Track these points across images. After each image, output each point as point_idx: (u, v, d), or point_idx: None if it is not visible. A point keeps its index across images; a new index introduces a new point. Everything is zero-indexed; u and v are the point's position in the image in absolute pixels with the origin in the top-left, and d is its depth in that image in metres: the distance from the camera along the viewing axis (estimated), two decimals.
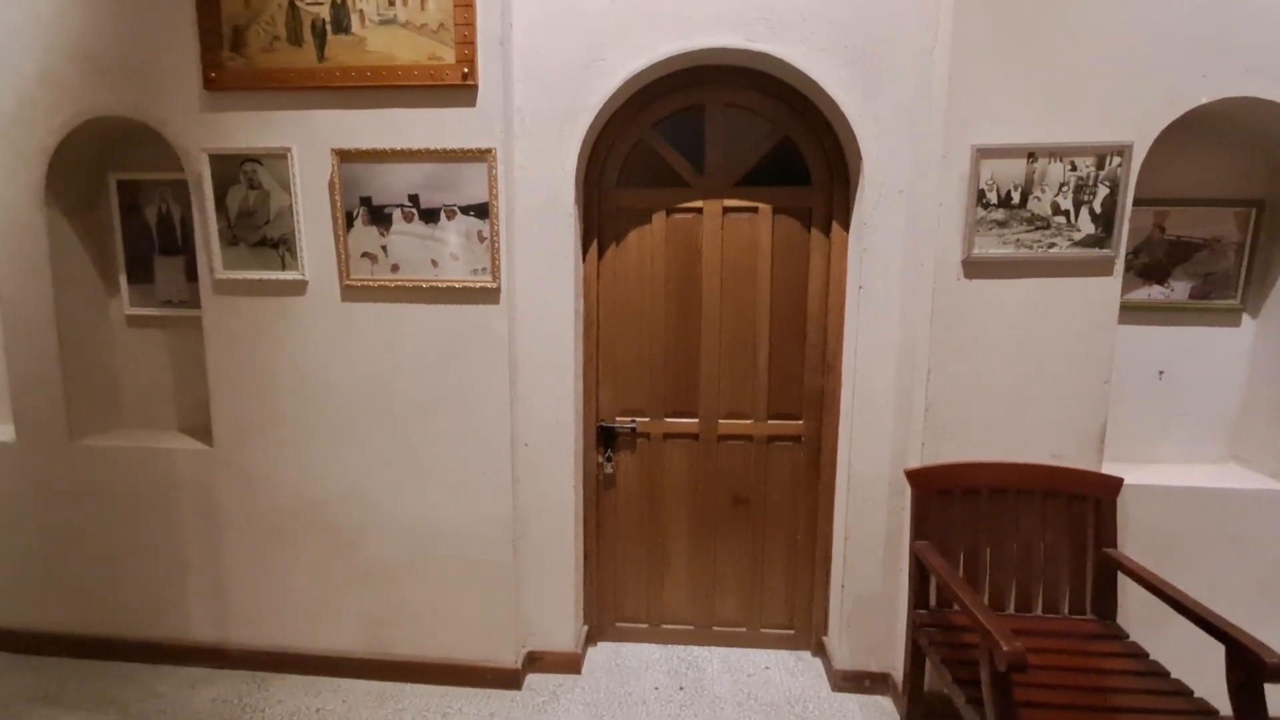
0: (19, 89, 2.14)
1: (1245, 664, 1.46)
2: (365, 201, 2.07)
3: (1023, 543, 1.97)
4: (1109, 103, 1.83)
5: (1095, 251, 1.87)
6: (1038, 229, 1.88)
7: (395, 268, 2.10)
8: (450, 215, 2.05)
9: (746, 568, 2.46)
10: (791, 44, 1.99)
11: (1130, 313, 2.09)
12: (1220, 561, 1.99)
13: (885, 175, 2.03)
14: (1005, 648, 1.40)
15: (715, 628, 2.51)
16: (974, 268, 1.93)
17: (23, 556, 2.40)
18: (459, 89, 2.00)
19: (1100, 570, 1.92)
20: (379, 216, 2.07)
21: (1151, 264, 2.09)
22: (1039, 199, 1.87)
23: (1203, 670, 1.63)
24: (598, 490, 2.45)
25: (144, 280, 2.43)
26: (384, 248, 2.09)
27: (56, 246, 2.25)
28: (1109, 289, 1.90)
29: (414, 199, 2.05)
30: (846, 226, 2.21)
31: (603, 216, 2.31)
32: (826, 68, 2.00)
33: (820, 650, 2.43)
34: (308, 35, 2.02)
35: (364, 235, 2.09)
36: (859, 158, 2.05)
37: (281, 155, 2.06)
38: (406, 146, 2.02)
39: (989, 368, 1.97)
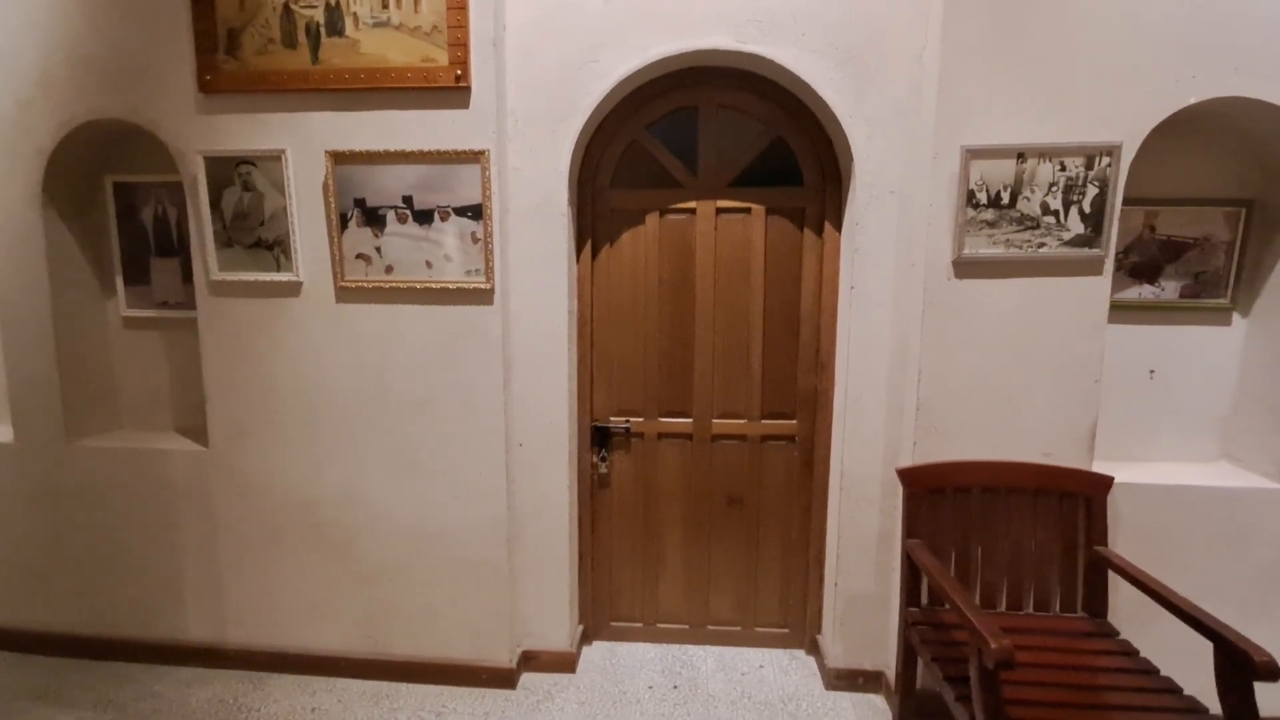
0: (16, 92, 2.15)
1: (1234, 662, 1.47)
2: (359, 203, 2.08)
3: (1014, 541, 1.98)
4: (1098, 103, 1.83)
5: (1085, 251, 1.88)
6: (1027, 229, 1.88)
7: (389, 269, 2.11)
8: (444, 216, 2.06)
9: (740, 567, 2.47)
10: (783, 45, 2.00)
11: (1121, 312, 2.10)
12: (1211, 560, 1.99)
13: (876, 176, 2.04)
14: (993, 645, 1.41)
15: (710, 626, 2.52)
16: (964, 268, 1.94)
17: (20, 556, 2.42)
18: (452, 91, 2.01)
19: (1091, 569, 1.93)
20: (373, 218, 2.09)
21: (1142, 263, 2.10)
22: (1028, 199, 1.87)
23: (1194, 668, 1.63)
24: (592, 490, 2.46)
25: (140, 282, 2.44)
26: (378, 249, 2.10)
27: (53, 248, 2.27)
28: (1099, 288, 1.91)
29: (408, 200, 2.06)
30: (839, 227, 2.22)
31: (596, 217, 2.32)
32: (818, 69, 2.01)
33: (814, 649, 2.44)
34: (302, 38, 2.03)
35: (358, 237, 2.10)
36: (850, 158, 2.06)
37: (276, 157, 2.07)
38: (400, 148, 2.03)
39: (980, 367, 1.98)
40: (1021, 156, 1.86)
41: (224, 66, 2.06)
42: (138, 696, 2.25)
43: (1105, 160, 1.84)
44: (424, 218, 2.07)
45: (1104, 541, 1.93)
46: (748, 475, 2.41)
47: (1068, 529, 1.96)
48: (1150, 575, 1.76)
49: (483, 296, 2.10)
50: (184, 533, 2.34)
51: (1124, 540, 1.99)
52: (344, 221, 2.09)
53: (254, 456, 2.26)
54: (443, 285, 2.09)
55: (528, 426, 2.24)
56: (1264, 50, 1.79)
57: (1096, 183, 1.85)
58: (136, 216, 2.41)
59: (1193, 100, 1.81)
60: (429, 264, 2.10)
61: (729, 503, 2.44)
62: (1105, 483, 1.93)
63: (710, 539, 2.46)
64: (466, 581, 2.26)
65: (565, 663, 2.36)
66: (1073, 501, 1.96)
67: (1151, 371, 2.15)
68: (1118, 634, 1.87)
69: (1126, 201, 1.95)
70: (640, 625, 2.54)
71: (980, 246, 1.91)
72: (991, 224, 1.89)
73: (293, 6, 2.02)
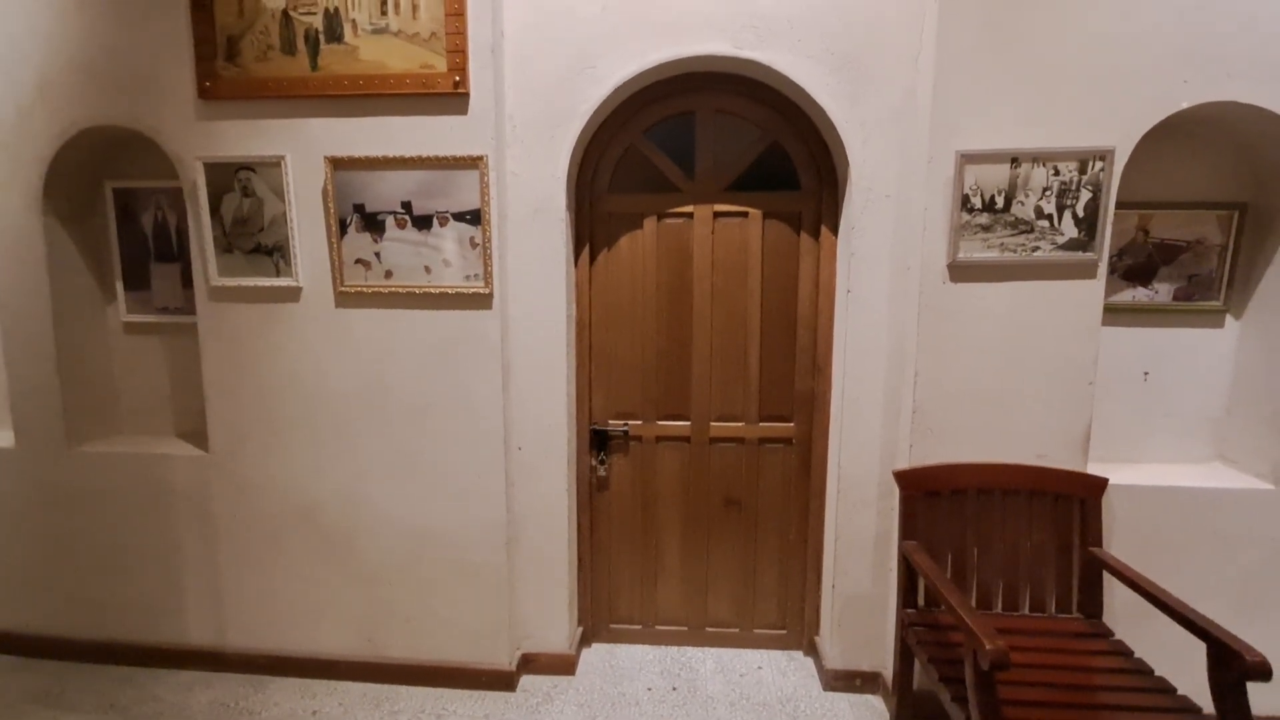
0: (16, 99, 2.16)
1: (1226, 662, 1.49)
2: (359, 209, 2.09)
3: (1009, 543, 1.99)
4: (1091, 108, 1.85)
5: (1079, 255, 1.90)
6: (1022, 233, 1.90)
7: (389, 274, 2.12)
8: (443, 222, 2.08)
9: (739, 569, 2.48)
10: (779, 51, 2.02)
11: (1115, 314, 2.12)
12: (1205, 560, 2.01)
13: (872, 180, 2.05)
14: (988, 646, 1.42)
15: (708, 628, 2.53)
16: (959, 271, 1.95)
17: (22, 561, 2.42)
18: (451, 97, 2.02)
19: (1086, 569, 1.95)
20: (372, 223, 2.10)
21: (1136, 266, 2.12)
22: (1023, 203, 1.89)
23: (1187, 668, 1.65)
24: (591, 493, 2.47)
25: (140, 287, 2.45)
26: (377, 254, 2.11)
27: (54, 254, 2.28)
28: (1093, 291, 1.93)
29: (407, 206, 2.08)
30: (835, 231, 2.24)
31: (594, 221, 2.33)
32: (814, 74, 2.02)
33: (812, 650, 2.45)
34: (301, 45, 2.04)
35: (358, 242, 2.11)
36: (846, 163, 2.07)
37: (275, 163, 2.08)
38: (399, 154, 2.04)
39: (975, 370, 1.99)
40: (1015, 161, 1.87)
41: (224, 73, 2.07)
42: (139, 700, 2.26)
43: (1098, 165, 1.85)
44: (423, 223, 2.08)
45: (1099, 543, 1.94)
46: (745, 478, 2.43)
47: (1063, 530, 1.98)
48: (1144, 576, 1.78)
49: (481, 301, 2.12)
50: (184, 536, 2.35)
51: (1118, 541, 2.01)
52: (343, 227, 2.11)
53: (254, 460, 2.27)
54: (442, 290, 2.11)
55: (527, 430, 2.25)
56: (1256, 55, 1.80)
57: (1090, 187, 1.87)
58: (136, 222, 2.42)
59: (1185, 105, 1.83)
60: (428, 269, 2.11)
61: (727, 505, 2.45)
62: (1100, 484, 1.94)
63: (708, 541, 2.47)
64: (466, 584, 2.27)
65: (564, 665, 2.37)
66: (1067, 503, 1.97)
67: (1145, 374, 2.17)
68: (1112, 634, 1.89)
69: (1120, 205, 1.96)
70: (639, 627, 2.56)
71: (975, 250, 1.92)
72: (986, 228, 1.91)
73: (292, 13, 2.03)
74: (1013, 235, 1.90)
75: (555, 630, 2.37)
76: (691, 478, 2.44)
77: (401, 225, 2.09)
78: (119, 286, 2.45)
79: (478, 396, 2.17)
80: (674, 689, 2.30)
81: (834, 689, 2.28)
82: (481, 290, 2.10)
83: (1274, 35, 1.79)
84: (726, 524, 2.46)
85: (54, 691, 2.30)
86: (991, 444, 2.01)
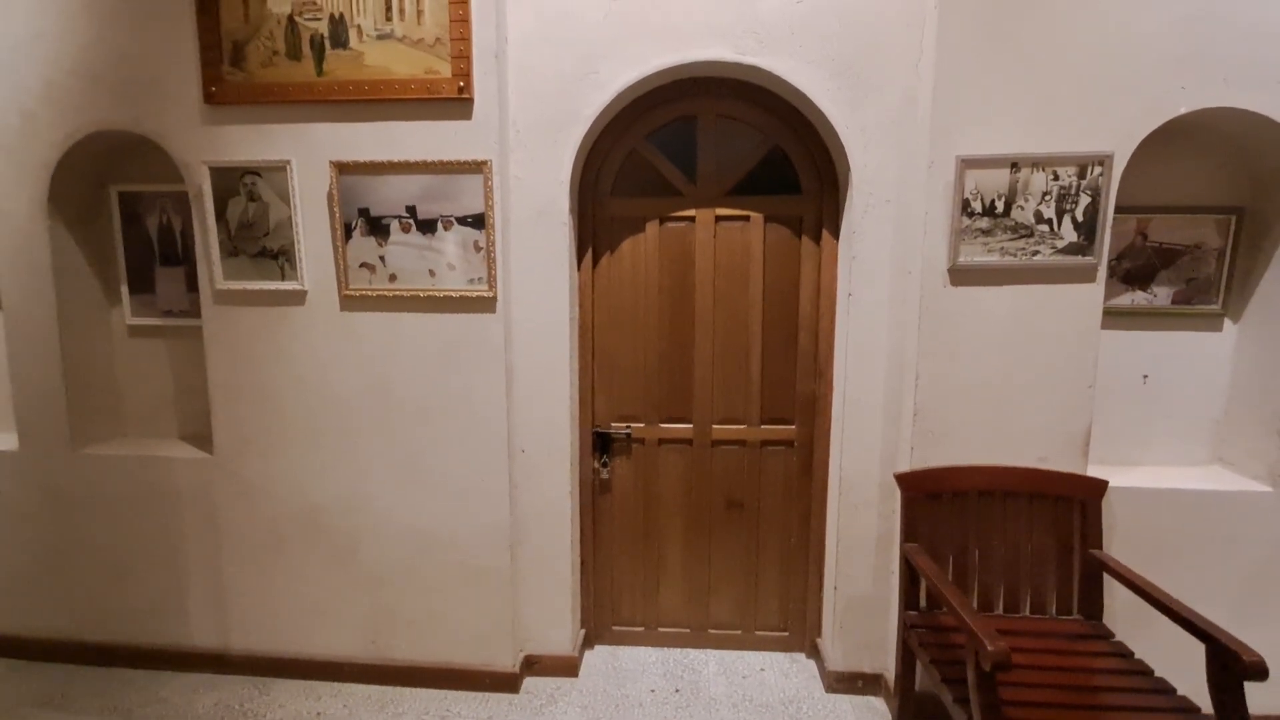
0: (22, 104, 2.17)
1: (1224, 662, 1.50)
2: (363, 213, 2.11)
3: (1010, 545, 2.01)
4: (1090, 114, 1.87)
5: (1078, 259, 1.91)
6: (1022, 237, 1.92)
7: (393, 277, 2.14)
8: (447, 226, 2.09)
9: (741, 571, 2.49)
10: (780, 57, 2.03)
11: (1114, 318, 2.13)
12: (1205, 562, 2.02)
13: (873, 185, 2.07)
14: (990, 647, 1.44)
15: (711, 630, 2.54)
16: (960, 275, 1.97)
17: (26, 564, 2.43)
18: (455, 102, 2.04)
19: (1086, 571, 1.96)
20: (377, 227, 2.11)
21: (1135, 270, 2.13)
22: (1022, 208, 1.91)
23: (1187, 669, 1.66)
24: (594, 495, 2.48)
25: (145, 291, 2.46)
26: (382, 258, 2.13)
27: (59, 257, 2.29)
28: (1092, 295, 1.94)
29: (411, 210, 2.09)
30: (836, 234, 2.25)
31: (597, 225, 2.35)
32: (815, 80, 2.04)
33: (814, 652, 2.46)
34: (306, 50, 2.06)
35: (362, 246, 2.13)
36: (848, 167, 2.09)
37: (281, 168, 2.10)
38: (404, 158, 2.06)
39: (976, 373, 2.01)
40: (1015, 166, 1.89)
41: (229, 78, 2.09)
42: (144, 702, 2.26)
43: (1097, 169, 1.87)
44: (427, 227, 2.10)
45: (1099, 544, 1.96)
46: (747, 480, 2.44)
47: (1063, 532, 1.99)
48: (1144, 578, 1.79)
49: (485, 304, 2.13)
50: (189, 539, 2.36)
51: (1118, 543, 2.02)
52: (348, 231, 2.12)
53: (258, 463, 2.28)
54: (446, 293, 2.12)
55: (530, 432, 2.26)
56: (1253, 62, 1.82)
57: (1089, 191, 1.88)
58: (141, 226, 2.43)
59: (1183, 111, 1.85)
60: (432, 272, 2.12)
61: (729, 507, 2.46)
62: (1100, 486, 1.96)
63: (711, 543, 2.49)
64: (469, 586, 2.28)
65: (567, 667, 2.38)
66: (1068, 505, 1.99)
67: (1144, 376, 2.18)
68: (1112, 636, 1.90)
69: (1119, 209, 1.98)
70: (642, 629, 2.57)
71: (975, 254, 1.94)
72: (986, 232, 1.92)
73: (297, 19, 2.05)
74: (1013, 239, 1.92)
75: (558, 632, 2.38)
76: (693, 480, 2.45)
77: (406, 229, 2.10)
78: (124, 290, 2.46)
79: (481, 399, 2.18)
80: (677, 691, 2.31)
81: (836, 690, 2.29)
82: (485, 294, 2.11)
83: (1271, 42, 1.81)
84: (728, 526, 2.47)
85: (58, 695, 2.30)
86: (992, 446, 2.02)
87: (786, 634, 2.52)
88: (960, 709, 1.62)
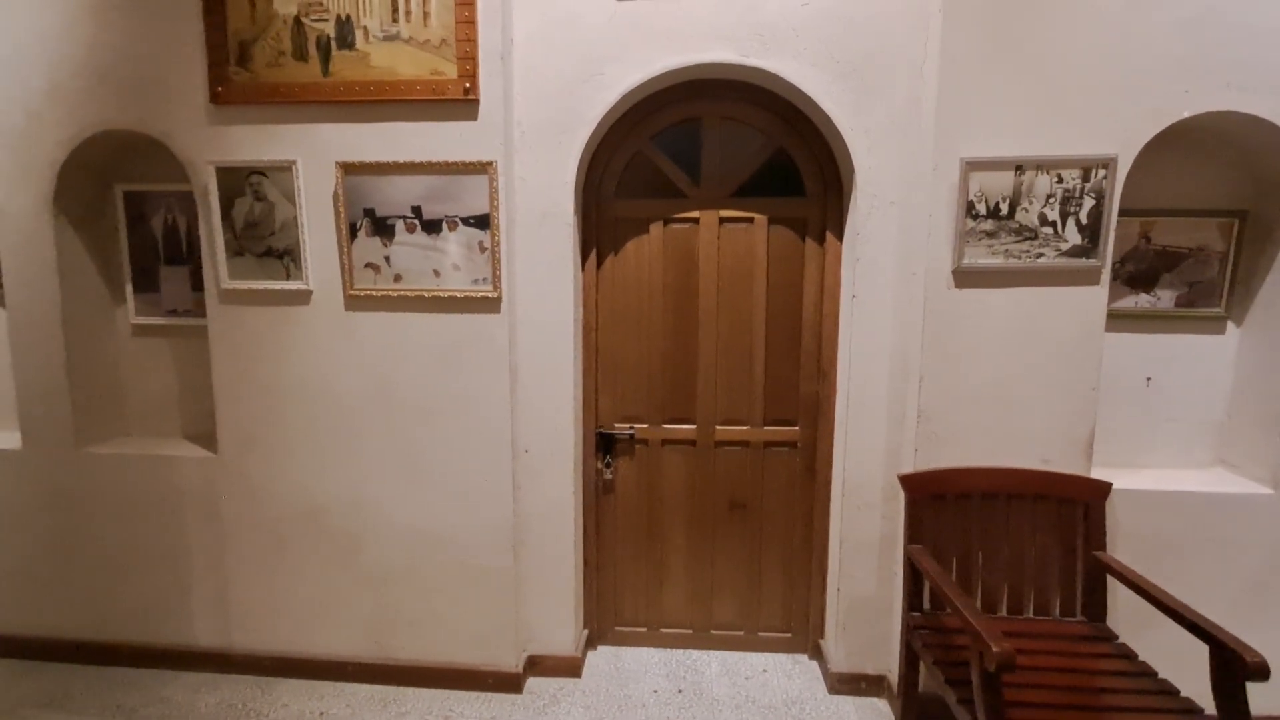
0: (27, 104, 2.18)
1: (1227, 663, 1.50)
2: (369, 213, 2.11)
3: (1014, 546, 2.01)
4: (1094, 117, 1.87)
5: (1082, 261, 1.92)
6: (1026, 239, 1.92)
7: (398, 278, 2.14)
8: (452, 226, 2.10)
9: (744, 572, 2.49)
10: (784, 59, 2.04)
11: (1118, 320, 2.14)
12: (1208, 564, 2.03)
13: (877, 187, 2.07)
14: (994, 649, 1.44)
15: (713, 631, 2.54)
16: (964, 277, 1.97)
17: (30, 563, 2.43)
18: (460, 103, 2.05)
19: (1090, 573, 1.96)
20: (382, 228, 2.12)
21: (1138, 273, 2.14)
22: (1027, 210, 1.91)
23: (1191, 670, 1.66)
24: (597, 496, 2.48)
25: (150, 290, 2.47)
26: (387, 258, 2.13)
27: (64, 257, 2.29)
28: (1096, 298, 1.95)
29: (416, 210, 2.09)
30: (840, 236, 2.26)
31: (601, 226, 2.35)
32: (819, 82, 2.04)
33: (817, 653, 2.46)
34: (313, 51, 2.06)
35: (367, 246, 2.13)
36: (851, 169, 2.10)
37: (286, 168, 2.10)
38: (409, 159, 2.06)
39: (979, 375, 2.01)
40: (1019, 168, 1.90)
41: (235, 78, 2.09)
42: (146, 702, 2.26)
43: (1101, 173, 1.88)
44: (432, 227, 2.10)
45: (1102, 546, 1.96)
46: (750, 481, 2.44)
47: (1067, 534, 1.99)
48: (1147, 579, 1.79)
49: (489, 305, 2.13)
50: (192, 538, 2.36)
51: (1122, 545, 2.02)
52: (353, 231, 2.12)
53: (262, 462, 2.28)
54: (450, 294, 2.12)
55: (533, 433, 2.27)
56: (1256, 66, 1.83)
57: (1093, 194, 1.89)
58: (146, 225, 2.43)
59: (1186, 114, 1.85)
60: (437, 273, 2.12)
61: (732, 508, 2.46)
62: (1103, 488, 1.96)
63: (714, 544, 2.49)
64: (472, 586, 2.28)
65: (570, 667, 2.38)
66: (1071, 507, 1.99)
67: (1148, 379, 2.18)
68: (1116, 637, 1.90)
69: (1122, 212, 1.99)
70: (645, 630, 2.57)
71: (980, 256, 1.94)
72: (991, 234, 1.93)
73: (304, 20, 2.06)
74: (1017, 242, 1.92)
75: (561, 633, 2.38)
76: (697, 481, 2.46)
77: (411, 229, 2.11)
78: (128, 289, 2.47)
79: (485, 400, 2.18)
80: (679, 691, 2.31)
81: (839, 692, 2.29)
82: (489, 294, 2.11)
83: (1274, 46, 1.82)
84: (732, 527, 2.47)
85: (61, 694, 2.30)
86: (996, 448, 2.03)
87: (789, 635, 2.52)
88: (964, 710, 1.62)
